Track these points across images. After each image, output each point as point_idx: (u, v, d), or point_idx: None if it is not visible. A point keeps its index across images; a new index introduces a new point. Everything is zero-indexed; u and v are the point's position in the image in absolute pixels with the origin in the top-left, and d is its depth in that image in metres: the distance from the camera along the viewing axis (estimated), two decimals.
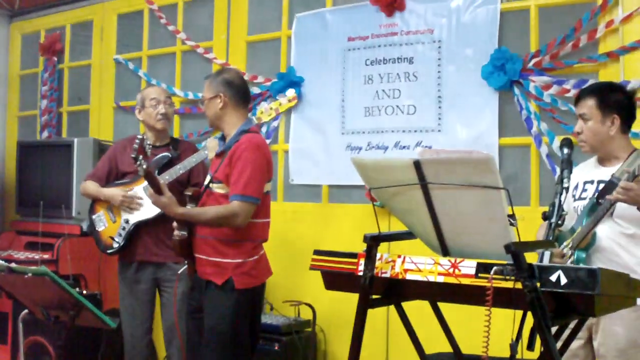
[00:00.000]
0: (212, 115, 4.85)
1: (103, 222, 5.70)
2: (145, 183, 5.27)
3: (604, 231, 4.04)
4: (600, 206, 4.05)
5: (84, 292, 5.66)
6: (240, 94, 4.90)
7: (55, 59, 8.65)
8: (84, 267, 6.51)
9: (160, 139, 5.75)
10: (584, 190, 4.33)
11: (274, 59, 7.06)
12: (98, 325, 4.90)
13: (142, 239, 5.60)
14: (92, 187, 5.76)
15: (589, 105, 4.22)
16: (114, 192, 5.62)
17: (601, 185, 4.22)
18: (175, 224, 4.79)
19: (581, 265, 3.93)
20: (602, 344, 4.17)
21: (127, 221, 5.58)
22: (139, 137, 4.89)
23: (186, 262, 4.87)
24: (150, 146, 4.84)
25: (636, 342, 4.14)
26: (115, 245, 5.62)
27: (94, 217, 5.76)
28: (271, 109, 5.58)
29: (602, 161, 4.35)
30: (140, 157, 4.49)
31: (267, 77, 6.84)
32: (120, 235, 5.60)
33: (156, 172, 5.38)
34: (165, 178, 5.35)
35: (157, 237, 5.59)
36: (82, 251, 6.65)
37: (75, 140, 6.95)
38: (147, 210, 5.46)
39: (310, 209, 6.76)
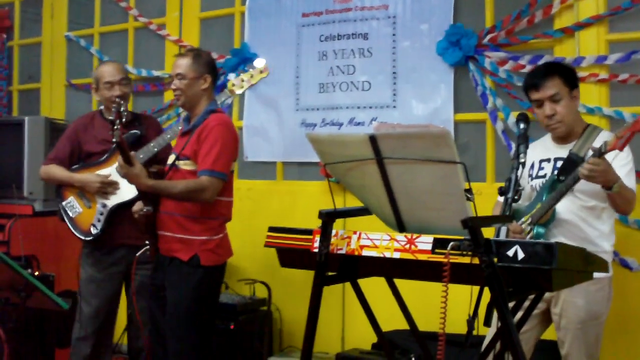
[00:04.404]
0: (192, 95, 4.82)
1: (76, 208, 5.44)
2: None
3: (565, 205, 4.05)
4: (561, 183, 4.05)
5: (36, 273, 5.59)
6: (217, 77, 5.04)
7: (4, 35, 8.51)
8: (36, 248, 6.40)
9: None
10: (541, 168, 4.33)
11: (227, 35, 7.01)
12: (50, 307, 4.84)
13: (119, 222, 5.36)
14: (58, 171, 5.48)
15: (558, 83, 4.16)
16: (89, 178, 5.37)
17: (559, 163, 4.22)
18: (136, 205, 4.78)
19: (539, 240, 3.93)
20: (563, 316, 4.21)
21: (104, 205, 5.36)
22: (117, 100, 4.69)
23: (147, 241, 4.85)
24: (125, 112, 4.61)
25: (595, 314, 4.20)
26: (95, 231, 5.35)
27: (64, 204, 5.48)
28: (242, 80, 5.36)
29: (560, 139, 4.32)
30: (117, 121, 4.38)
31: (221, 53, 6.77)
32: (99, 220, 5.34)
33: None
34: (139, 157, 5.15)
35: (133, 219, 5.37)
36: (34, 232, 6.54)
37: (26, 119, 6.83)
38: (124, 192, 5.29)
39: (264, 186, 6.72)
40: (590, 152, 4.01)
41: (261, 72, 5.37)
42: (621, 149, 3.74)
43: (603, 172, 3.77)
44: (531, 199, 4.29)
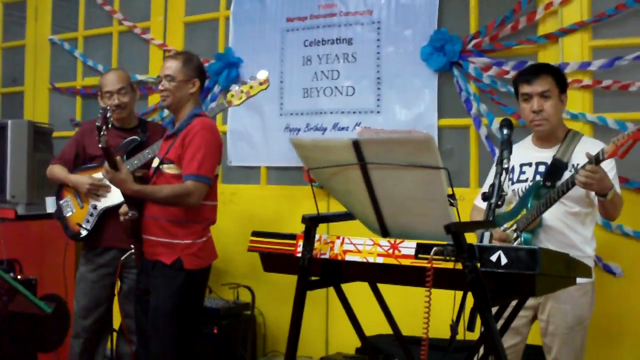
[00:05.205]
0: (179, 97, 4.83)
1: (71, 207, 5.58)
2: None
3: (550, 211, 4.06)
4: (549, 189, 4.06)
5: (19, 277, 5.57)
6: (205, 81, 5.07)
7: None
8: (19, 252, 6.34)
9: (127, 122, 5.64)
10: (522, 172, 4.33)
11: (211, 39, 7.02)
12: (33, 311, 4.82)
13: (109, 224, 5.45)
14: (59, 171, 5.63)
15: (550, 82, 4.22)
16: (81, 180, 5.49)
17: (541, 167, 4.23)
18: (122, 207, 4.78)
19: (522, 246, 3.94)
20: (550, 322, 4.23)
21: (94, 207, 5.48)
22: (103, 106, 4.77)
23: (132, 245, 4.84)
24: (111, 118, 4.65)
25: (581, 319, 4.23)
26: (83, 232, 5.50)
27: (61, 202, 5.63)
28: (242, 92, 5.33)
29: (541, 142, 4.34)
30: (104, 127, 4.38)
31: (205, 58, 6.72)
32: (88, 221, 5.48)
33: (125, 155, 5.30)
34: (134, 163, 5.26)
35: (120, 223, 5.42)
36: (17, 235, 6.49)
37: (9, 122, 6.77)
38: (115, 196, 5.32)
39: (248, 191, 6.71)
40: (575, 158, 4.05)
41: (261, 84, 5.34)
42: (622, 157, 3.75)
43: (600, 179, 3.78)
44: (511, 204, 4.30)
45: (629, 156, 4.41)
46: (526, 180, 4.29)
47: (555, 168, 4.16)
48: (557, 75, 4.28)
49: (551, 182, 4.10)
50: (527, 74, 4.31)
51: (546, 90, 4.19)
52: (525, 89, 4.26)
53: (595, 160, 3.75)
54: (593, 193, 4.00)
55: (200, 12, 7.12)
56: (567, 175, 4.05)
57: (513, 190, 4.35)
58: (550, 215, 4.11)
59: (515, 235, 4.11)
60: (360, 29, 6.15)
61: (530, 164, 4.33)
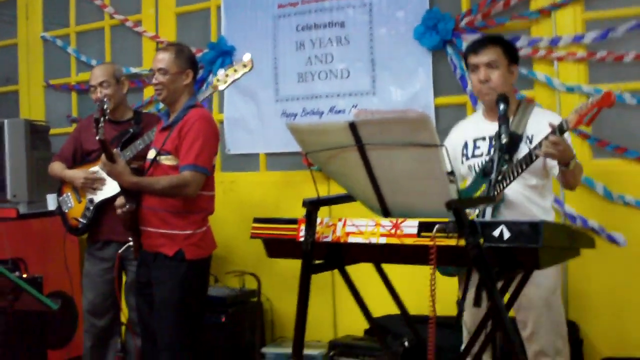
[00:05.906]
0: (174, 90, 4.82)
1: (70, 202, 5.63)
2: None
3: (510, 185, 4.04)
4: (507, 162, 4.03)
5: (24, 275, 5.59)
6: (197, 72, 5.07)
7: None
8: (23, 251, 6.36)
9: (120, 114, 5.64)
10: (477, 147, 4.31)
11: (204, 29, 7.00)
12: (39, 309, 4.83)
13: (106, 217, 5.47)
14: (57, 168, 5.70)
15: (498, 52, 4.19)
16: (76, 174, 5.53)
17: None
18: (118, 200, 4.77)
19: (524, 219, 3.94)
20: (523, 295, 4.20)
21: (91, 201, 5.51)
22: (101, 99, 4.77)
23: (131, 238, 4.84)
24: (108, 110, 4.64)
25: (552, 289, 4.21)
26: (80, 225, 5.56)
27: (60, 198, 5.69)
28: (227, 75, 5.31)
29: (492, 115, 4.24)
30: (101, 119, 4.39)
31: (198, 47, 6.73)
32: (85, 215, 5.53)
33: (119, 148, 5.24)
34: (126, 154, 5.23)
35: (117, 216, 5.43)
36: (20, 234, 6.50)
37: (6, 121, 6.77)
38: (110, 188, 5.34)
39: (248, 178, 6.72)
40: (530, 129, 4.10)
41: (245, 66, 5.32)
42: (588, 125, 3.76)
43: (563, 150, 3.78)
44: (467, 180, 4.30)
45: (627, 126, 4.44)
46: (481, 155, 4.27)
47: (511, 140, 4.14)
48: (505, 45, 4.26)
49: (509, 156, 4.09)
50: (474, 44, 4.30)
51: (493, 60, 4.17)
52: (472, 59, 4.25)
53: (560, 130, 3.75)
54: (549, 164, 4.01)
55: (192, 3, 7.10)
56: (523, 147, 4.05)
57: (469, 165, 4.32)
58: (511, 189, 4.08)
59: (477, 211, 4.07)
60: (352, 12, 6.14)
61: (484, 138, 4.30)
